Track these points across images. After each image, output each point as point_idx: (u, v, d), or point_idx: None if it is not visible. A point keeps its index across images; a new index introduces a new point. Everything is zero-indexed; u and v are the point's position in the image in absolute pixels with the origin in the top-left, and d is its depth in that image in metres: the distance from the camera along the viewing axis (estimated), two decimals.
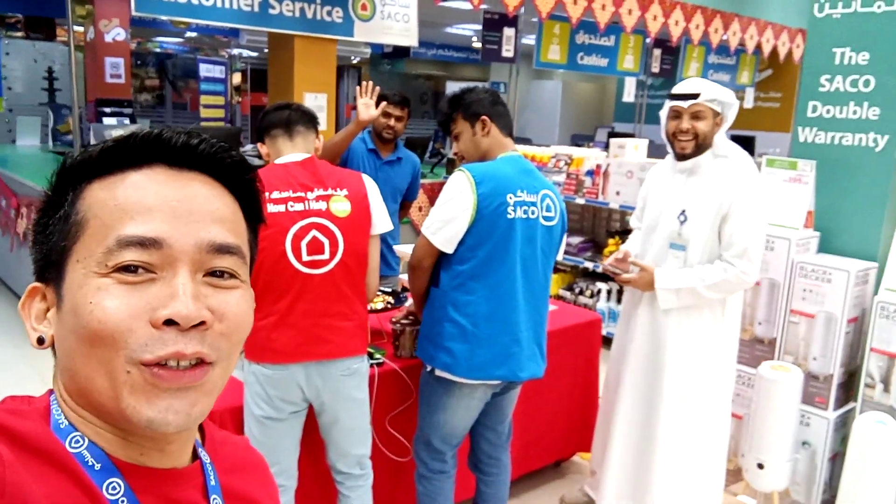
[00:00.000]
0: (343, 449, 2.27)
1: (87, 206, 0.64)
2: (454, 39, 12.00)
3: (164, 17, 5.79)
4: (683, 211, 2.59)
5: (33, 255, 0.68)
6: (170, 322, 0.61)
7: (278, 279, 2.07)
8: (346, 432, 2.25)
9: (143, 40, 12.98)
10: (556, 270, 5.18)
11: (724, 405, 2.75)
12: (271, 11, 5.46)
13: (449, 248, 2.29)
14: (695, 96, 2.53)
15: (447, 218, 2.26)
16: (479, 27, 7.19)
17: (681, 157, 2.62)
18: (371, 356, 2.53)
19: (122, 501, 0.62)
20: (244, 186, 0.71)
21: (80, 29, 9.38)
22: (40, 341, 0.66)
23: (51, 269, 0.65)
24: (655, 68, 8.47)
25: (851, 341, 2.99)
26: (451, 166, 7.05)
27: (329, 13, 5.72)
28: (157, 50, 12.21)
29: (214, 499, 0.70)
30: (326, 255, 2.11)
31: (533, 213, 2.32)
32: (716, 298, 2.56)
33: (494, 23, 7.05)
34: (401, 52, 11.48)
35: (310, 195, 2.12)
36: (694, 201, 2.57)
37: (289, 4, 5.52)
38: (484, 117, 2.40)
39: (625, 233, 4.78)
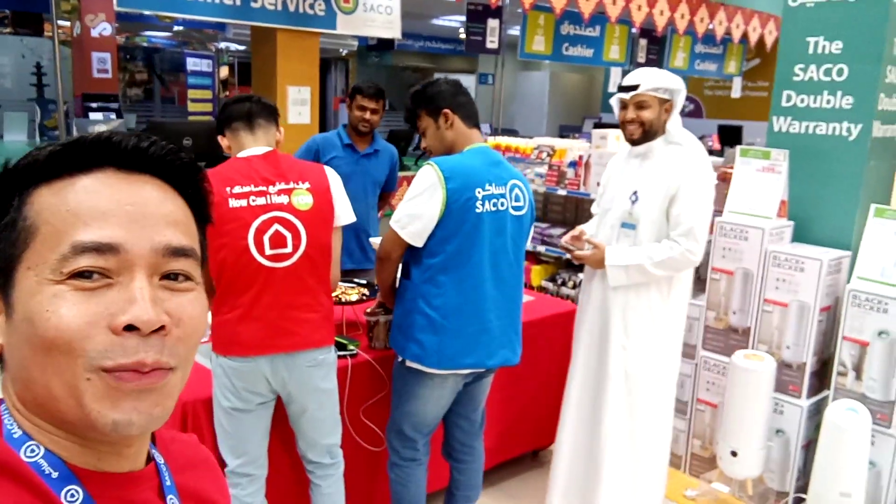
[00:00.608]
0: (312, 439, 2.31)
1: (35, 211, 0.63)
2: (441, 31, 11.97)
3: (147, 12, 5.78)
4: (635, 192, 2.68)
5: None
6: (129, 327, 0.60)
7: (242, 273, 2.09)
8: (315, 422, 2.28)
9: (132, 34, 12.90)
10: (538, 261, 5.19)
11: (670, 384, 2.81)
12: (253, 5, 5.45)
13: (418, 242, 2.31)
14: (635, 87, 2.63)
15: (416, 213, 2.28)
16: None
17: (633, 142, 2.71)
18: (344, 347, 2.56)
19: None
20: (193, 188, 0.71)
21: (67, 24, 9.32)
22: None
23: None
24: (642, 58, 8.48)
25: (824, 330, 3.01)
26: None
27: (311, 6, 5.71)
28: (145, 44, 12.16)
29: (171, 499, 0.70)
30: (290, 249, 2.13)
31: (502, 204, 2.35)
32: (663, 276, 2.64)
33: (478, 14, 7.05)
34: (386, 45, 11.47)
35: (272, 189, 2.13)
36: (645, 183, 2.67)
37: None
38: (446, 110, 2.40)
39: None
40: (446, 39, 12.44)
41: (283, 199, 2.13)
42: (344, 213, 2.27)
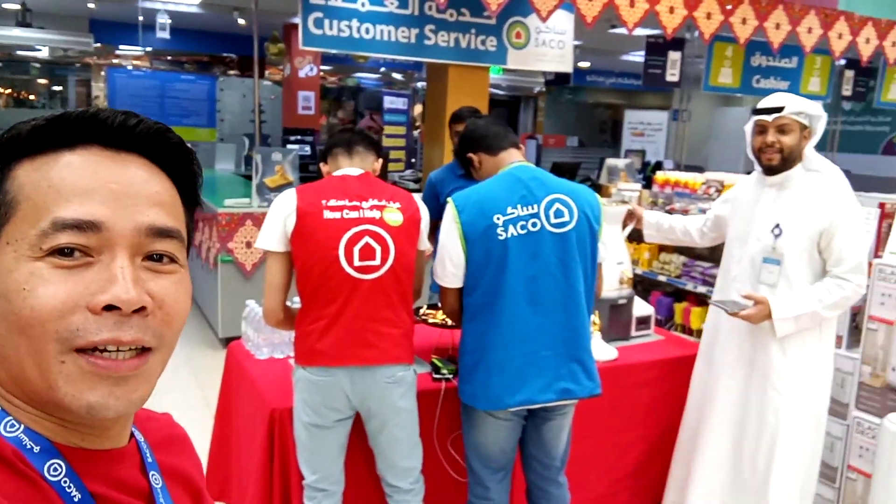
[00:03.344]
0: (391, 459, 2.26)
1: (17, 186, 0.62)
2: (632, 67, 11.75)
3: (332, 51, 6.28)
4: (777, 225, 2.52)
5: None
6: (109, 307, 0.59)
7: (329, 283, 2.12)
8: (394, 442, 2.24)
9: (343, 76, 14.12)
10: (699, 303, 4.85)
11: (821, 429, 2.65)
12: (427, 42, 5.72)
13: (458, 283, 2.26)
14: (779, 109, 2.45)
15: (443, 256, 2.24)
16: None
17: (769, 171, 2.53)
18: (437, 370, 2.54)
19: (65, 482, 0.60)
20: (182, 169, 0.70)
21: (281, 67, 10.42)
22: None
23: None
24: (847, 91, 7.70)
25: None
26: (598, 192, 6.87)
27: (483, 42, 5.88)
28: (352, 85, 13.23)
29: (153, 475, 0.70)
30: (377, 262, 2.14)
31: (534, 224, 2.17)
32: (833, 316, 2.52)
33: (659, 47, 6.85)
34: (562, 80, 11.48)
35: (364, 204, 2.17)
36: (788, 215, 2.51)
37: (444, 35, 5.75)
38: (469, 155, 2.40)
39: None
40: (638, 75, 12.20)
41: (376, 213, 2.17)
42: (424, 240, 2.30)
